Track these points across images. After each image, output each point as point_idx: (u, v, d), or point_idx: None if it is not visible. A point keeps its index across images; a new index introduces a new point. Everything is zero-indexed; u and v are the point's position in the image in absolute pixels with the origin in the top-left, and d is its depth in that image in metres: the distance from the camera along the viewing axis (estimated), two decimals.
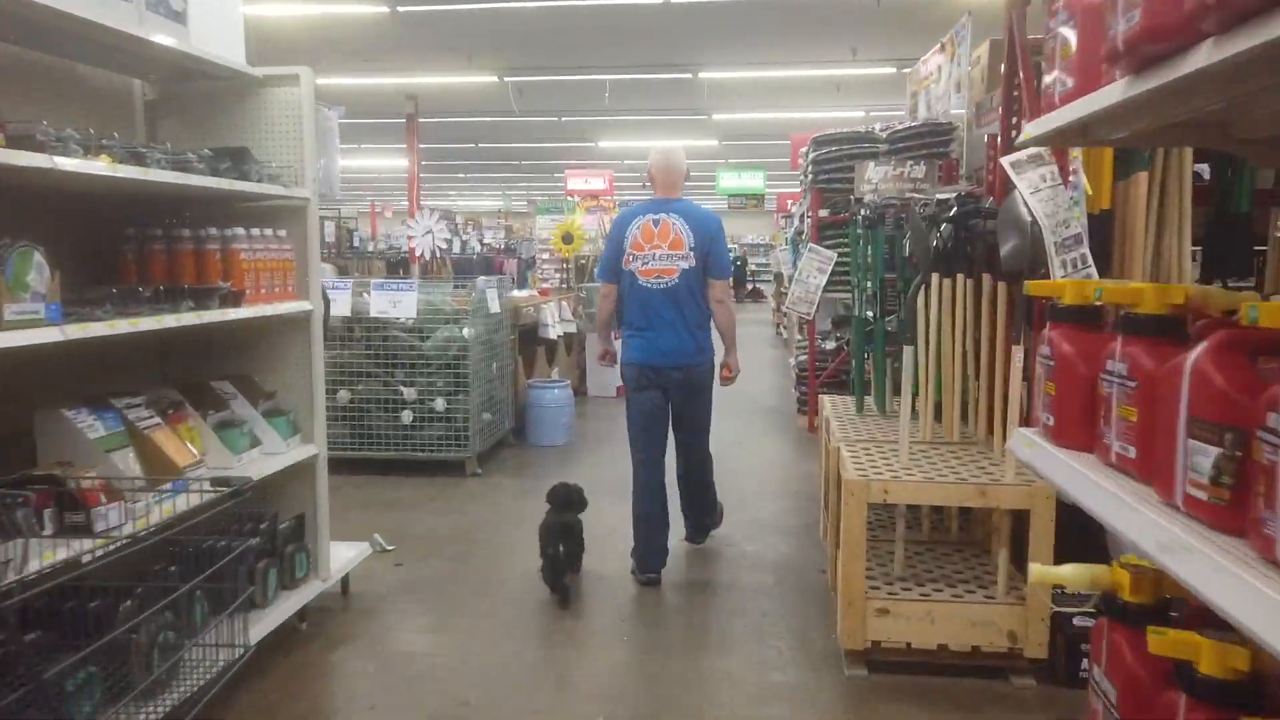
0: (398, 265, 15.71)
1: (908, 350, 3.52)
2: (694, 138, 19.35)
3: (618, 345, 4.63)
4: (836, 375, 7.89)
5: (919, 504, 3.55)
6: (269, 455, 3.44)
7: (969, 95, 6.62)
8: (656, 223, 4.25)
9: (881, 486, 3.27)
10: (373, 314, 6.15)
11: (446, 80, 13.25)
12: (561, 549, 4.12)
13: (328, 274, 13.67)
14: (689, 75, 12.69)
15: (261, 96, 3.57)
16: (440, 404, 6.23)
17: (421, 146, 20.65)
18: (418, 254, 9.60)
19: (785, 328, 14.85)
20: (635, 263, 4.26)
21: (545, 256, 13.70)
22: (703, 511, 4.72)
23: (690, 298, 4.22)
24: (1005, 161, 3.25)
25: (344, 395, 6.27)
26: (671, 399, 4.31)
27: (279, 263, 3.49)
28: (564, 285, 12.07)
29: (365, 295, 6.25)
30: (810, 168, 7.97)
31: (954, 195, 4.07)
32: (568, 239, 11.49)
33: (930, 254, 3.51)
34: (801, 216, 10.12)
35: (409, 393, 6.24)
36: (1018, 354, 3.23)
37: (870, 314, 4.61)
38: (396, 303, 6.12)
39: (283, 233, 3.52)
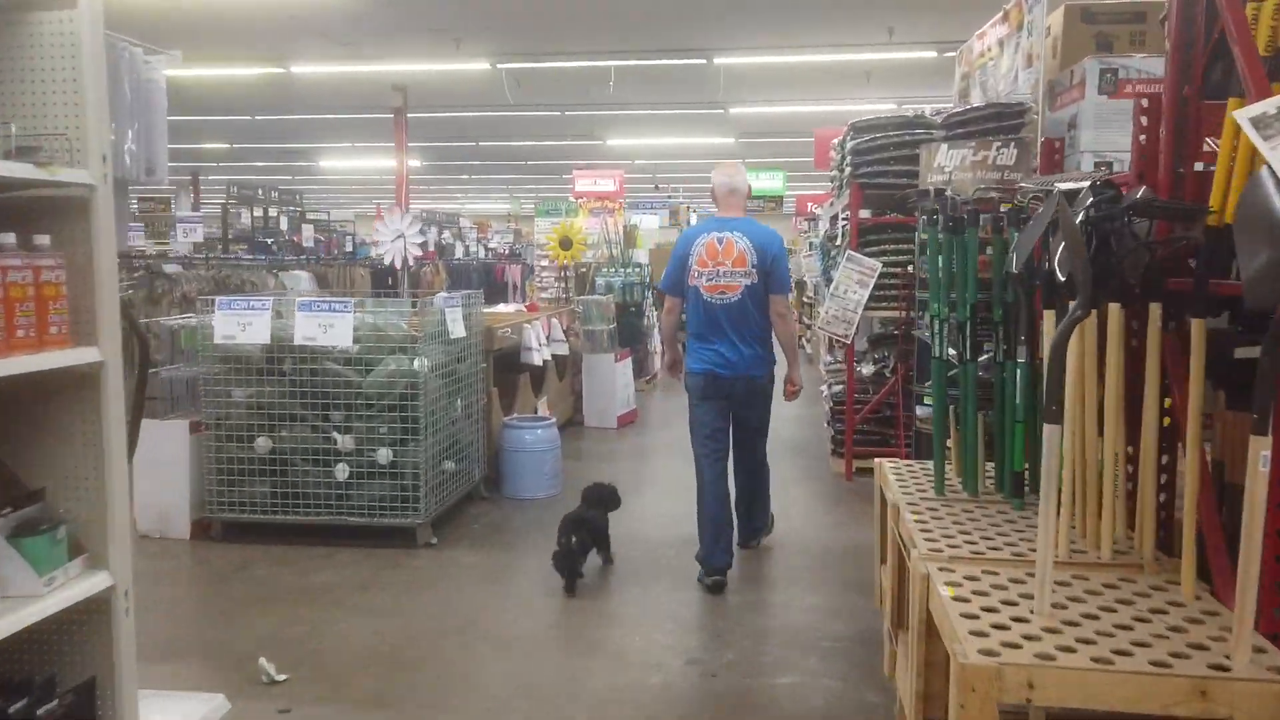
0: (385, 274, 14.47)
1: (1052, 429, 2.15)
2: (709, 134, 18.01)
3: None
4: (879, 410, 6.51)
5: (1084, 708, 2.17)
6: (15, 601, 2.12)
7: (1043, 71, 5.27)
8: (720, 240, 4.43)
9: (1022, 677, 1.91)
10: (297, 341, 4.84)
11: (435, 68, 11.96)
12: (575, 540, 4.32)
13: (304, 282, 12.45)
14: (703, 60, 11.35)
15: (13, 28, 2.26)
16: (384, 455, 4.91)
17: (417, 145, 19.45)
18: (386, 262, 8.29)
19: (810, 342, 13.45)
20: (700, 279, 4.43)
21: (544, 263, 12.37)
22: (756, 518, 4.86)
23: (752, 313, 4.41)
24: (1244, 118, 1.90)
25: (263, 444, 4.96)
26: (733, 408, 4.53)
27: (38, 288, 2.17)
28: (563, 296, 10.74)
29: (290, 317, 4.94)
30: (848, 159, 6.60)
31: (1087, 184, 2.72)
32: (566, 244, 10.17)
33: (1089, 271, 2.15)
34: (835, 219, 8.75)
35: (345, 441, 4.93)
36: (1260, 447, 1.88)
37: (954, 352, 3.26)
38: (328, 327, 4.81)
39: (44, 240, 2.20)
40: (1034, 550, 2.55)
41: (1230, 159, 2.42)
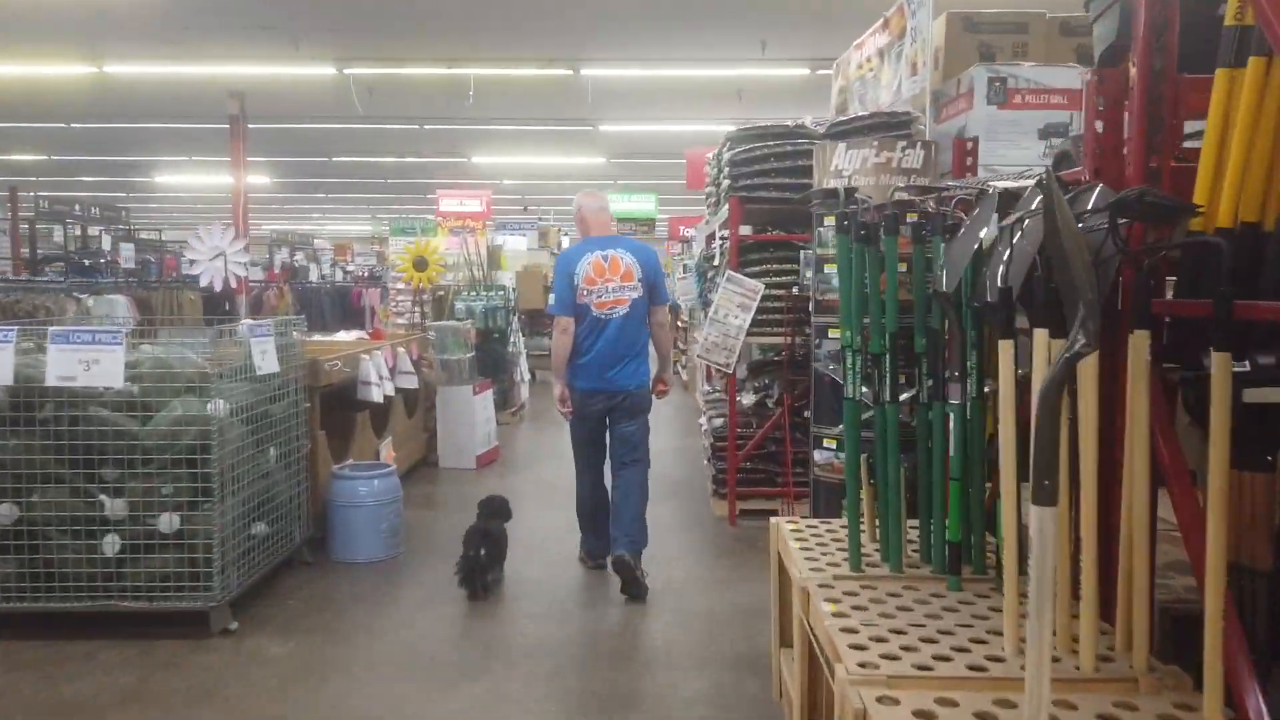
0: (221, 299, 13.15)
1: (1044, 514, 1.50)
2: (579, 154, 17.38)
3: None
4: (763, 445, 5.91)
5: None
6: None
7: (929, 81, 4.83)
8: (606, 258, 4.60)
9: None
10: (50, 381, 3.83)
11: (272, 72, 10.87)
12: (482, 552, 4.45)
13: (120, 307, 11.06)
14: (569, 72, 10.69)
15: None
16: (168, 521, 3.93)
17: (262, 160, 18.06)
18: (203, 284, 7.21)
19: (686, 369, 12.90)
20: (589, 296, 4.57)
21: (401, 286, 11.38)
22: (637, 536, 4.62)
23: (638, 325, 4.65)
24: None
25: (7, 512, 3.90)
26: (614, 421, 4.69)
27: None
28: (418, 321, 9.81)
29: (40, 353, 3.91)
30: (725, 172, 6.01)
31: (1034, 182, 2.14)
32: (420, 265, 9.27)
33: (1095, 289, 1.52)
34: (711, 238, 8.19)
35: (115, 506, 3.92)
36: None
37: (869, 391, 2.63)
38: (91, 363, 3.81)
39: None
40: (994, 660, 1.91)
41: (1220, 141, 1.87)
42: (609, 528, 4.62)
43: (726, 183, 5.91)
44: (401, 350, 6.52)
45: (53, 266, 12.96)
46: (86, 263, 13.03)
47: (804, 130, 6.02)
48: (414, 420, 7.17)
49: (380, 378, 5.85)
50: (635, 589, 4.41)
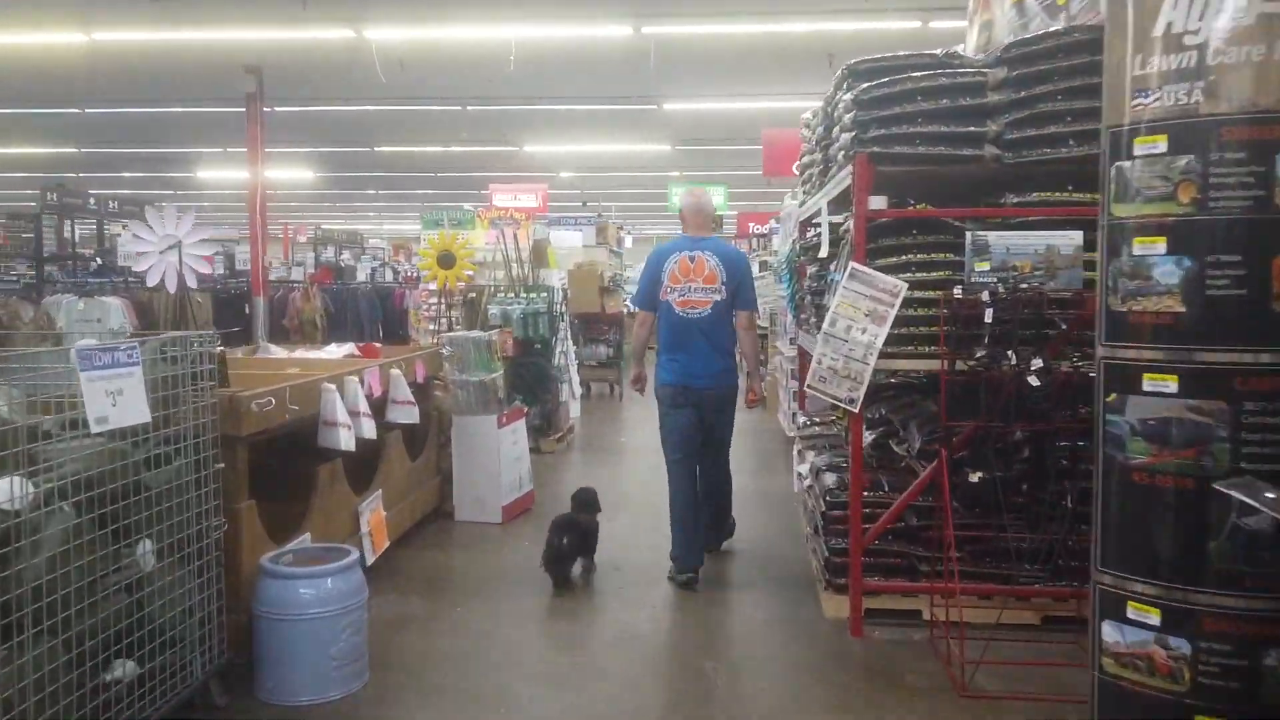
0: (236, 303, 11.71)
1: None
2: (641, 139, 15.62)
3: None
4: (899, 518, 4.05)
5: None
6: None
7: None
8: (692, 258, 4.71)
9: None
10: (93, 428, 2.20)
11: (287, 37, 9.36)
12: (565, 540, 4.54)
13: (113, 313, 9.68)
14: (628, 29, 8.95)
15: None
16: None
17: (301, 151, 16.75)
18: (152, 282, 5.64)
19: (766, 381, 11.05)
20: (672, 294, 4.70)
21: (433, 287, 9.75)
22: (719, 523, 5.05)
23: (720, 327, 4.71)
24: None
25: None
26: (701, 416, 4.72)
27: None
28: (440, 329, 8.17)
29: None
30: (846, 120, 4.17)
31: None
32: (446, 260, 7.60)
33: None
34: (804, 225, 6.36)
35: None
36: None
37: None
38: (116, 395, 2.20)
39: None
40: None
41: None
42: (700, 549, 4.73)
43: (848, 136, 4.08)
44: (397, 373, 4.83)
45: (56, 264, 11.68)
46: (92, 257, 11.64)
47: (961, 59, 4.18)
48: (422, 461, 5.48)
49: (356, 414, 4.16)
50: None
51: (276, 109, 12.64)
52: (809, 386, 4.02)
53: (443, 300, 8.40)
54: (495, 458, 5.69)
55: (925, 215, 3.96)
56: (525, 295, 8.11)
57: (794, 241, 6.73)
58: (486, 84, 11.24)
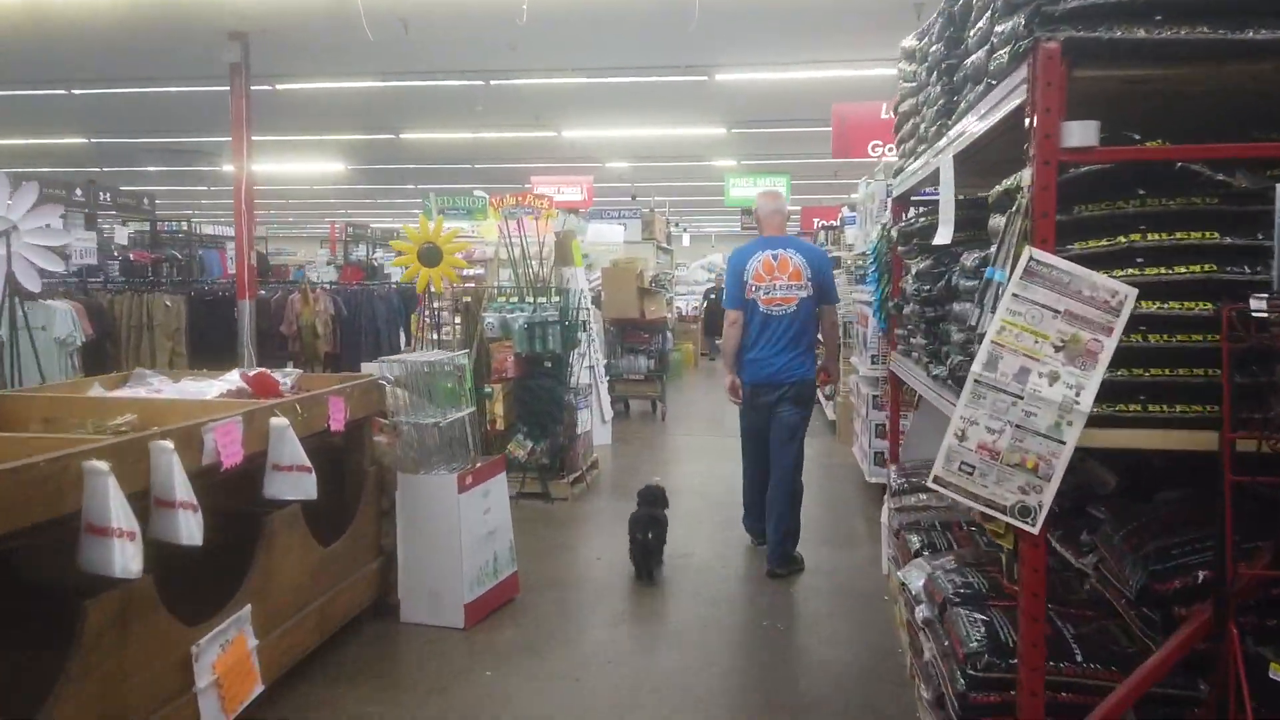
0: (222, 306, 10.21)
1: None
2: (693, 119, 13.83)
3: None
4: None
5: None
6: None
7: None
8: (775, 257, 4.91)
9: None
10: None
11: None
12: (650, 535, 4.76)
13: (62, 317, 8.23)
14: None
15: None
16: None
17: (320, 138, 15.35)
18: None
19: (837, 399, 9.16)
20: (757, 292, 4.88)
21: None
22: (786, 530, 4.90)
23: (804, 323, 4.90)
24: None
25: None
26: (776, 408, 4.89)
27: None
28: (440, 340, 6.51)
29: None
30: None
31: None
32: (430, 256, 5.94)
33: None
34: (903, 205, 4.49)
35: None
36: None
37: None
38: None
39: None
40: None
41: None
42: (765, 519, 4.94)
43: (1011, 25, 2.25)
44: (279, 423, 3.13)
45: None
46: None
47: None
48: (346, 543, 3.79)
49: (171, 505, 2.47)
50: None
51: (277, 87, 11.20)
52: (937, 479, 2.21)
53: (434, 306, 6.74)
54: (455, 534, 3.98)
55: (1176, 155, 2.11)
56: (532, 300, 6.40)
57: (884, 228, 4.88)
58: (506, 55, 9.59)
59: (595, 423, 8.42)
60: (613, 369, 10.26)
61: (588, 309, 8.31)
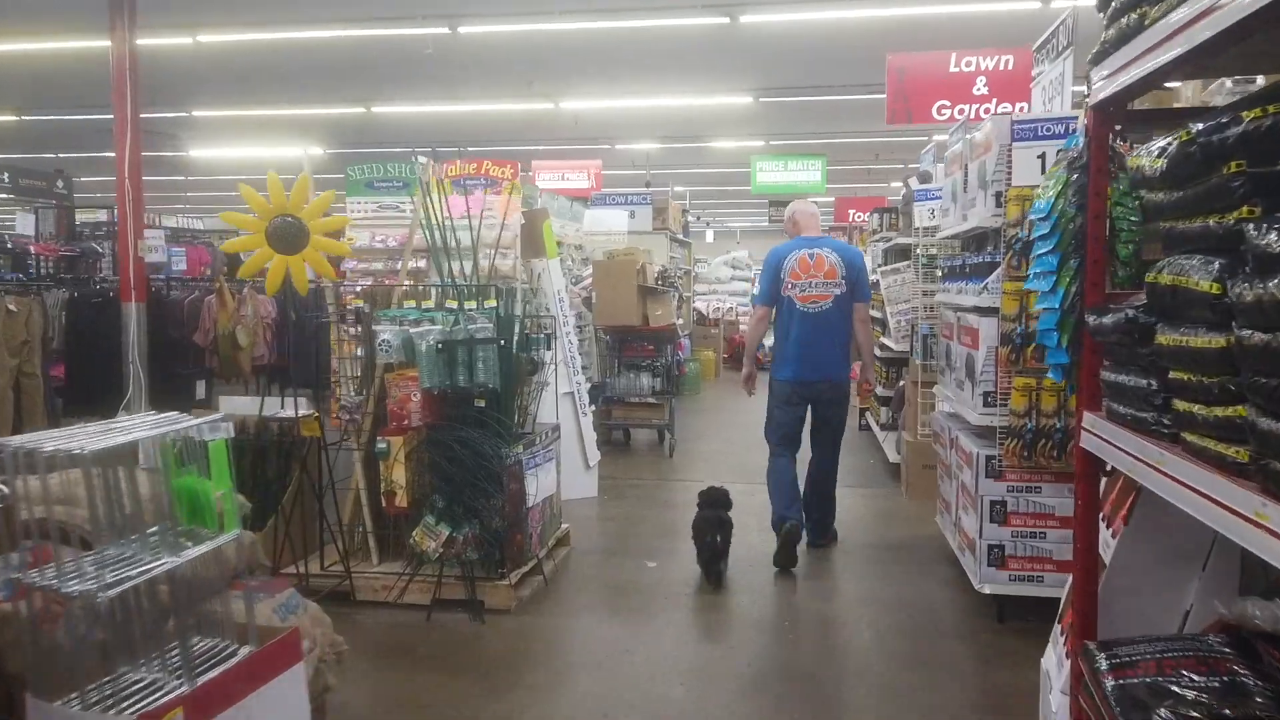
0: (98, 307, 8.07)
1: None
2: (715, 88, 11.56)
3: None
4: None
5: None
6: None
7: None
8: (812, 256, 4.99)
9: None
10: None
11: None
12: (718, 538, 4.65)
13: None
14: None
15: None
16: None
17: (294, 113, 13.21)
18: None
19: (896, 424, 6.90)
20: (793, 290, 4.97)
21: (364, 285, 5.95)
22: (826, 516, 5.23)
23: (840, 320, 4.98)
24: None
25: None
26: (815, 409, 5.06)
27: None
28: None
29: None
30: None
31: None
32: (285, 236, 3.72)
33: None
34: (1092, 123, 2.20)
35: None
36: None
37: None
38: None
39: None
40: None
41: None
42: (800, 504, 5.01)
43: None
44: None
45: None
46: None
47: None
48: None
49: None
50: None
51: (198, 39, 9.07)
52: None
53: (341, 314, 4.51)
54: None
55: None
56: (453, 310, 4.15)
57: (1066, 171, 2.56)
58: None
59: (573, 472, 6.21)
60: (608, 390, 8.03)
61: (564, 315, 6.08)
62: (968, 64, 7.90)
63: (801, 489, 5.10)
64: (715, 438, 8.59)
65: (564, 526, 5.14)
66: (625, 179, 18.54)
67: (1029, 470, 3.93)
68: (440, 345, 3.90)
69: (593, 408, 6.49)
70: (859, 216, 20.17)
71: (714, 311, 16.82)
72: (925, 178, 6.73)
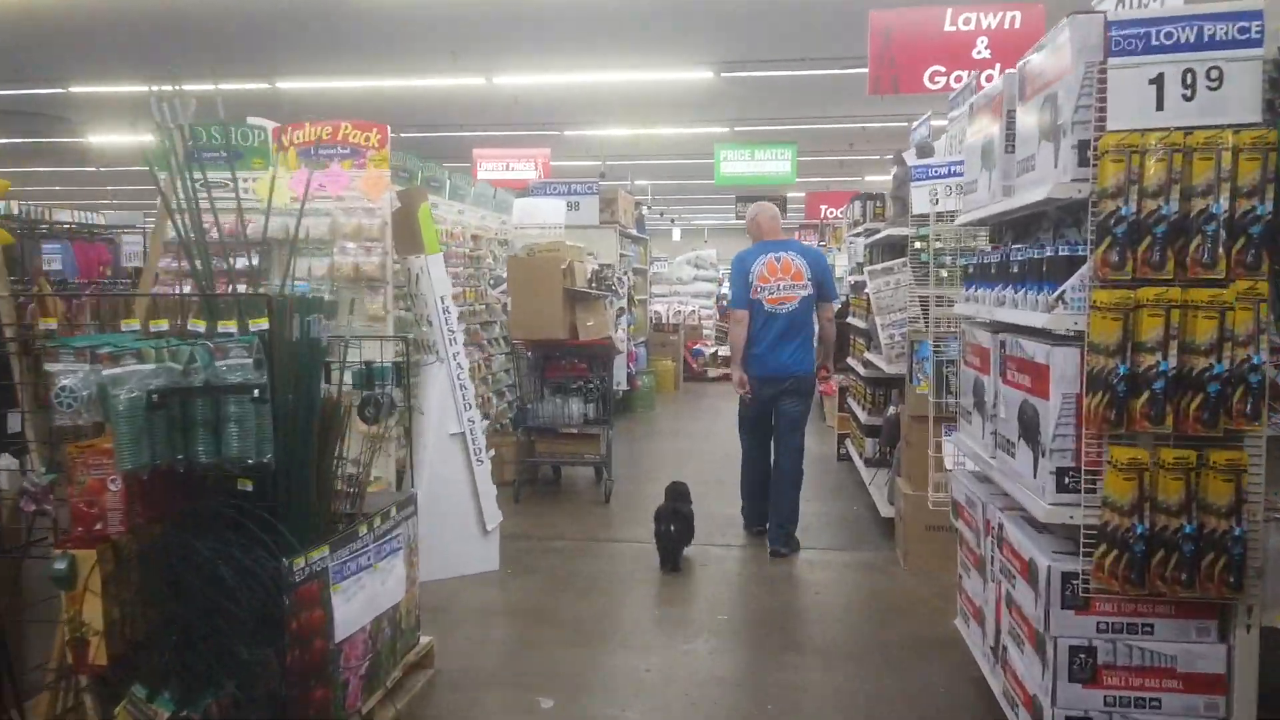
0: None
1: None
2: (671, 61, 10.00)
3: None
4: None
5: None
6: None
7: None
8: (779, 259, 5.22)
9: None
10: None
11: None
12: (672, 528, 4.87)
13: None
14: None
15: None
16: None
17: (145, 87, 11.47)
18: None
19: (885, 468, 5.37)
20: (762, 293, 5.20)
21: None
22: (784, 516, 5.23)
23: (805, 319, 5.24)
24: None
25: None
26: (782, 402, 5.24)
27: None
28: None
29: None
30: None
31: None
32: None
33: None
34: None
35: None
36: None
37: None
38: None
39: None
40: None
41: None
42: (767, 505, 5.29)
43: None
44: None
45: None
46: None
47: None
48: None
49: None
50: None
51: None
52: None
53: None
54: None
55: None
56: (184, 338, 2.55)
57: None
58: None
59: (464, 540, 4.65)
60: (531, 419, 6.45)
61: (449, 330, 4.51)
62: (966, 21, 6.51)
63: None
64: (669, 469, 7.06)
65: (424, 641, 3.56)
66: (579, 170, 16.89)
67: (1136, 600, 2.41)
68: (153, 397, 2.30)
69: (488, 456, 4.90)
70: (832, 212, 18.77)
71: (674, 315, 15.25)
72: (926, 150, 5.22)
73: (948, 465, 4.40)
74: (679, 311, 15.42)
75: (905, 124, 13.00)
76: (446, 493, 4.62)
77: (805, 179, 17.62)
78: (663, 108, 12.68)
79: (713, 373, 14.44)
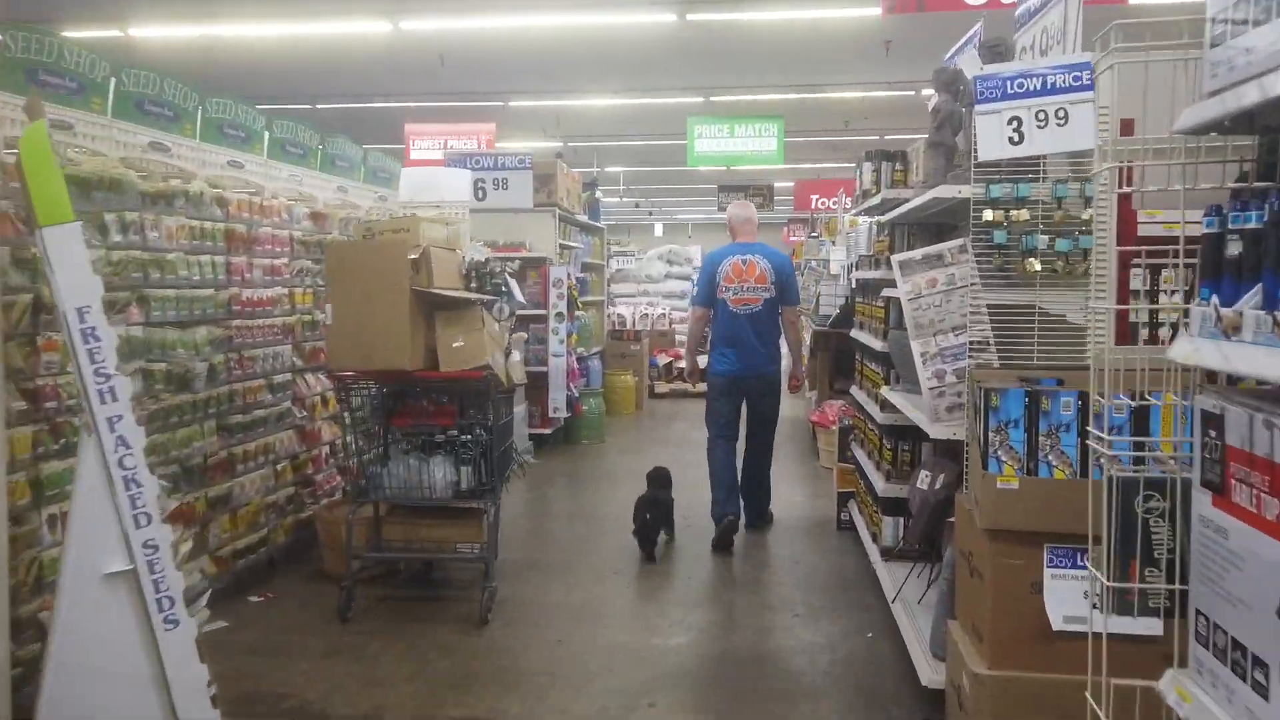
0: None
1: None
2: (629, 7, 7.76)
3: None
4: None
5: None
6: None
7: None
8: (745, 261, 5.39)
9: None
10: None
11: None
12: (649, 516, 5.00)
13: None
14: None
15: None
16: None
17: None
18: None
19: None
20: (727, 293, 5.38)
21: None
22: (760, 499, 5.66)
23: (769, 320, 5.43)
24: None
25: None
26: (749, 401, 5.49)
27: None
28: None
29: None
30: None
31: None
32: None
33: None
34: None
35: None
36: None
37: None
38: None
39: None
40: None
41: None
42: (738, 497, 5.42)
43: None
44: None
45: None
46: None
47: None
48: None
49: None
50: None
51: None
52: None
53: None
54: None
55: None
56: None
57: None
58: None
59: None
60: (374, 489, 4.21)
61: (82, 356, 2.21)
62: None
63: (740, 477, 5.50)
64: (609, 543, 4.74)
65: None
66: (534, 152, 14.60)
67: None
68: None
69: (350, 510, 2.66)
70: (824, 203, 16.59)
71: (640, 319, 13.01)
72: (999, 50, 2.98)
73: (1057, 625, 2.31)
74: (646, 315, 13.18)
75: (911, 93, 10.82)
76: (93, 689, 2.39)
77: (794, 164, 15.44)
78: (620, 66, 10.39)
79: (660, 388, 12.02)
